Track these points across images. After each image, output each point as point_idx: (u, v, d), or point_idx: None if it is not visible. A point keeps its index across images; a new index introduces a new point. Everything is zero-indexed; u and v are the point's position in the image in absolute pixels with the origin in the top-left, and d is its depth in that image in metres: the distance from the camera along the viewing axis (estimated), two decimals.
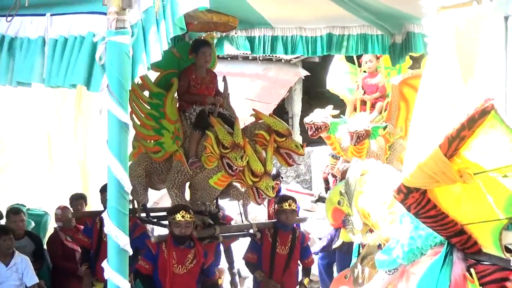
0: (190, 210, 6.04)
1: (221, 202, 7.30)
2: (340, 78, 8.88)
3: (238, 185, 6.64)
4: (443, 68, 3.44)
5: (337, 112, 8.26)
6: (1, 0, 4.21)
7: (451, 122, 3.25)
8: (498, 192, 3.34)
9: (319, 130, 7.98)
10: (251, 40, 7.99)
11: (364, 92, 8.50)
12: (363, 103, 8.50)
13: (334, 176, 8.80)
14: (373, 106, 8.42)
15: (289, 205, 6.76)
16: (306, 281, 6.91)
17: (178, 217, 5.93)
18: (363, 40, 7.61)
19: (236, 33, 7.93)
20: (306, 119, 8.14)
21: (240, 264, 9.51)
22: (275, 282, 6.76)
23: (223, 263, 7.79)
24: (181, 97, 6.69)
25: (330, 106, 8.25)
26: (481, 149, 3.24)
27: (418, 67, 8.25)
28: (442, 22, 3.48)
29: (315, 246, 8.36)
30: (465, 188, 3.41)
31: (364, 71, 8.55)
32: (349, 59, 8.80)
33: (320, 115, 8.07)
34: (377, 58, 8.42)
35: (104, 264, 3.82)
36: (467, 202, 3.47)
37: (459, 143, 3.23)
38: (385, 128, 8.03)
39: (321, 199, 8.40)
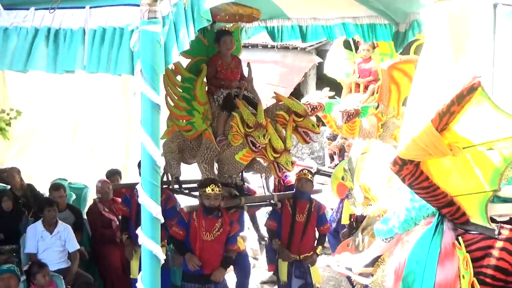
0: (219, 184, 6.12)
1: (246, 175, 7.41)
2: (338, 63, 8.86)
3: (261, 160, 6.72)
4: (437, 51, 3.46)
5: (332, 93, 8.29)
6: None
7: (442, 99, 3.26)
8: (485, 165, 3.35)
9: (315, 109, 8.00)
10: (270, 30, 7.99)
11: (359, 76, 8.53)
12: (358, 85, 8.53)
13: (335, 152, 8.92)
14: (366, 88, 8.44)
15: (304, 174, 6.89)
16: (319, 249, 6.97)
17: (208, 190, 6.01)
18: (373, 28, 7.47)
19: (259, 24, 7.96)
20: (303, 100, 8.16)
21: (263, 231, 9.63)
22: (288, 252, 6.84)
23: (247, 231, 7.87)
24: (210, 81, 6.77)
25: (326, 88, 8.30)
26: (469, 124, 3.25)
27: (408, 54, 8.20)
28: (439, 10, 3.49)
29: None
30: (455, 161, 3.42)
31: (360, 57, 8.58)
32: (347, 45, 8.79)
33: (316, 96, 8.15)
34: (374, 48, 8.43)
35: (139, 231, 3.86)
36: (456, 175, 3.48)
37: (449, 118, 3.25)
38: (377, 107, 8.06)
39: (319, 172, 8.45)
